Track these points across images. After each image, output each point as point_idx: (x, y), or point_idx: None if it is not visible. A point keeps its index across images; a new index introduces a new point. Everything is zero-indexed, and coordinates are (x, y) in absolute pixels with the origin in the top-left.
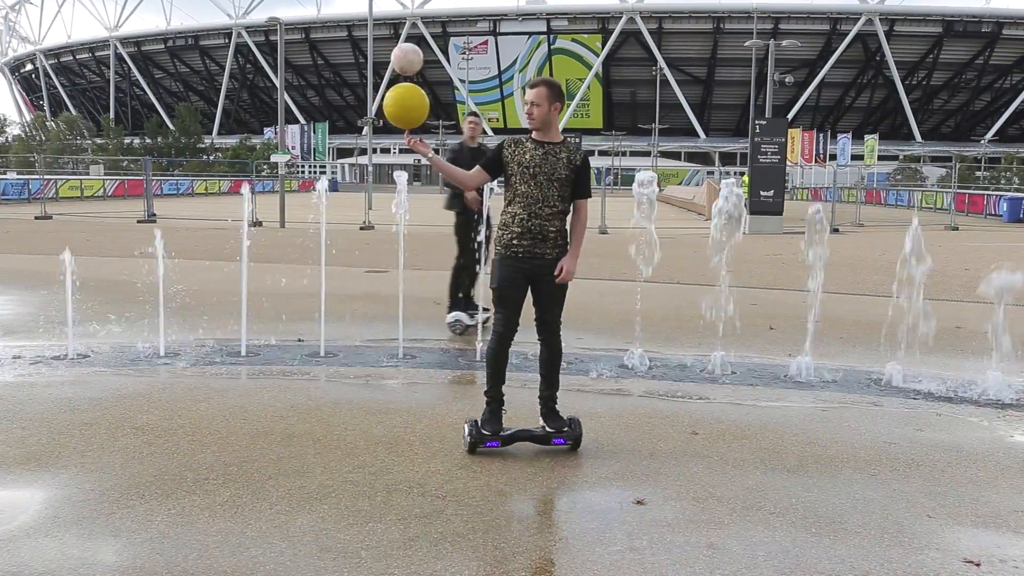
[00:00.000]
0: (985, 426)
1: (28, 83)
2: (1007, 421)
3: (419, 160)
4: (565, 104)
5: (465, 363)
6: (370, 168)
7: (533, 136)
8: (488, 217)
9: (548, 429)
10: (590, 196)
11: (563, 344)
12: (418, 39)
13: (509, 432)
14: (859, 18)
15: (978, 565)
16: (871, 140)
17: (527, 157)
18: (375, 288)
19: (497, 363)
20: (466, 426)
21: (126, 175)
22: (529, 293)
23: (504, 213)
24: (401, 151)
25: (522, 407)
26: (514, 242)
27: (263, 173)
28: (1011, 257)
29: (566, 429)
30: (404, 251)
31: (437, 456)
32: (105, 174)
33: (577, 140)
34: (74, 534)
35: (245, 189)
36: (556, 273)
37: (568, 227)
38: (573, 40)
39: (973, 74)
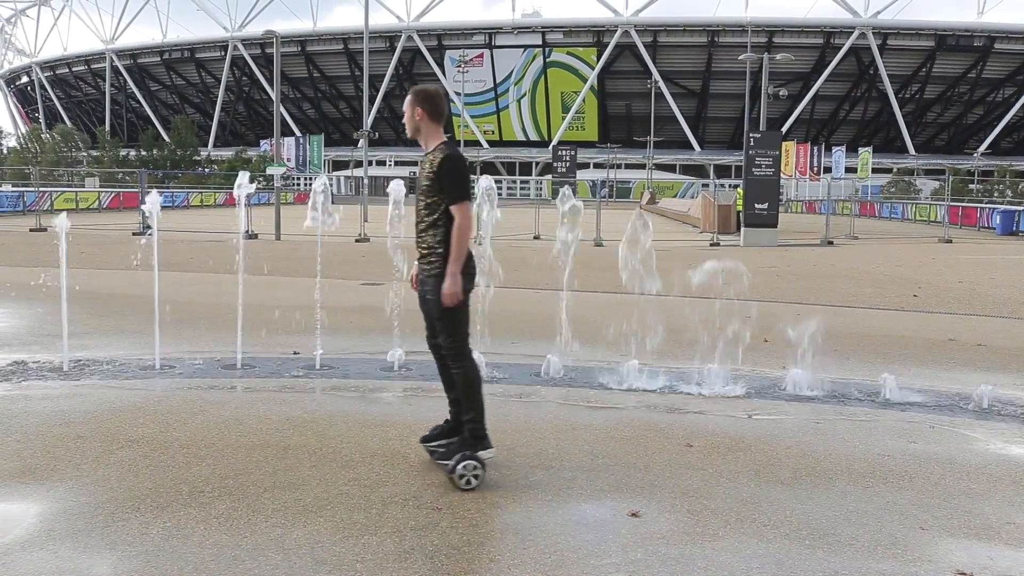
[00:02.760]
0: (978, 438)
1: (24, 95)
2: (1000, 433)
3: (414, 172)
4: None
5: None
6: (365, 180)
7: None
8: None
9: (438, 447)
10: (457, 200)
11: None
12: (414, 52)
13: (433, 444)
14: (852, 32)
15: None
16: (865, 153)
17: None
18: (371, 300)
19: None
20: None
21: (121, 187)
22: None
23: None
24: (396, 164)
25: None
26: (416, 260)
27: (259, 185)
28: (1004, 269)
29: (445, 461)
30: (401, 263)
31: (433, 469)
32: (100, 186)
33: (450, 146)
34: (69, 547)
35: (239, 191)
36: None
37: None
38: (568, 53)
39: (966, 88)
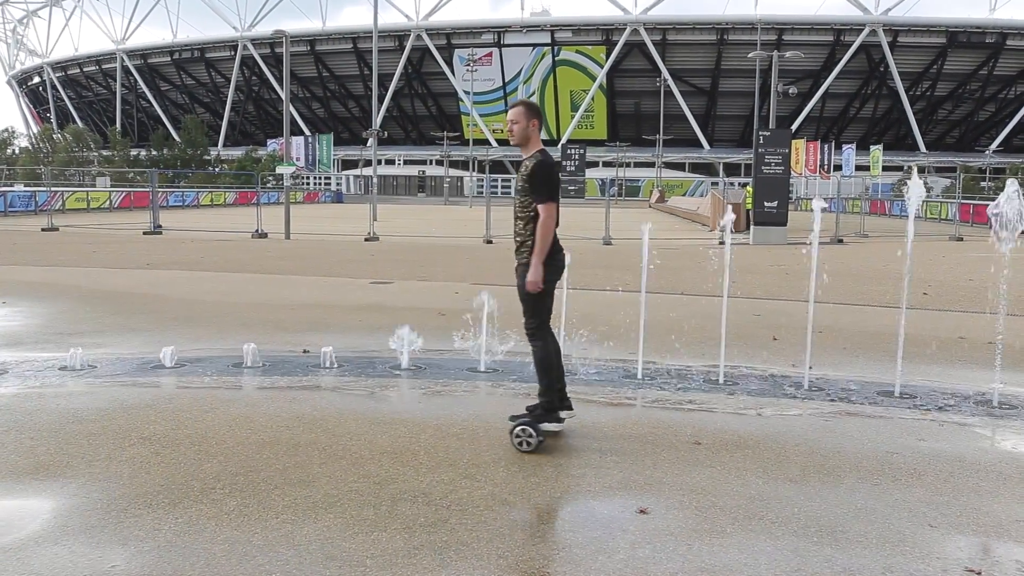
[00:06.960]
0: (988, 436)
1: (35, 96)
2: (1009, 431)
3: (423, 172)
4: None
5: (470, 375)
6: (375, 180)
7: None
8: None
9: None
10: (542, 200)
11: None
12: (423, 51)
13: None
14: (863, 29)
15: (979, 574)
16: (876, 151)
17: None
18: (380, 299)
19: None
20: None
21: (132, 187)
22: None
23: None
24: (406, 163)
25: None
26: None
27: (268, 185)
28: (1016, 267)
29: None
30: (410, 262)
31: (442, 466)
32: (111, 186)
33: (544, 154)
34: (83, 543)
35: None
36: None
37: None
38: (577, 51)
39: (977, 85)
